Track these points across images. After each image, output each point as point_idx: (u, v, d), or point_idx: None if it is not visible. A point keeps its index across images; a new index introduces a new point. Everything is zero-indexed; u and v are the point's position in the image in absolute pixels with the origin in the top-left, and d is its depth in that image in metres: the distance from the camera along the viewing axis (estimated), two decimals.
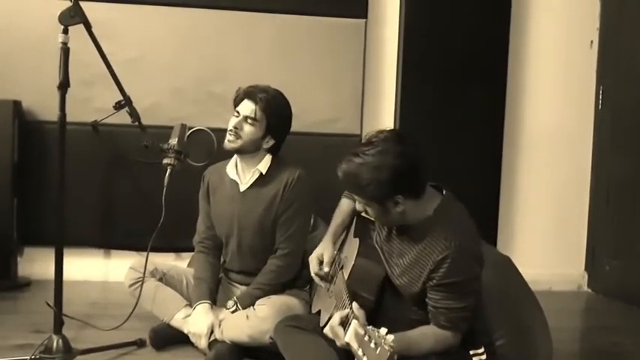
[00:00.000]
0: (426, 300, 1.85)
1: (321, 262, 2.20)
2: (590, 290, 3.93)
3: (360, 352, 1.56)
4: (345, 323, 1.73)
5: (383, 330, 1.53)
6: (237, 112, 2.49)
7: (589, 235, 3.94)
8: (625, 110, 3.74)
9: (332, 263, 2.21)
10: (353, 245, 2.13)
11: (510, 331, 2.06)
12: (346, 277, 2.01)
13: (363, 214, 1.95)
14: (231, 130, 2.47)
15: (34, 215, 3.37)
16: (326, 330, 1.81)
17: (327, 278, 2.19)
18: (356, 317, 1.70)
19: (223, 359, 2.34)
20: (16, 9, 3.35)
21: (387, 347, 1.46)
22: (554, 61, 3.84)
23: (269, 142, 2.51)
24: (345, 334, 1.68)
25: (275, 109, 2.48)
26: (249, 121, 2.46)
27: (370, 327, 1.59)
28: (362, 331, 1.58)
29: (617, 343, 2.97)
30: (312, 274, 2.22)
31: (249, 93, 2.48)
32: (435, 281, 1.81)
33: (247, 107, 2.47)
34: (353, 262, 2.03)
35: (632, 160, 3.66)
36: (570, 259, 3.94)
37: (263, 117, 2.46)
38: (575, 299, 3.79)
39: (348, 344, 1.65)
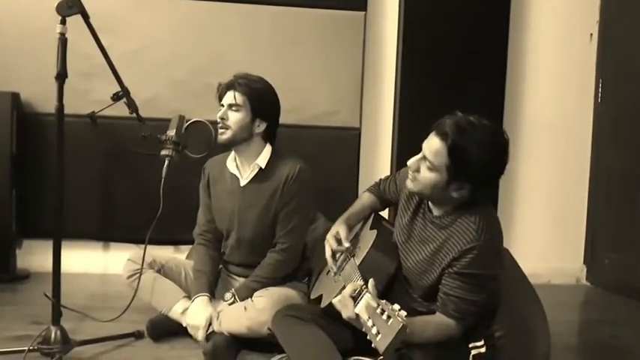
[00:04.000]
0: (439, 286, 1.85)
1: (338, 241, 2.17)
2: (588, 283, 3.93)
3: (369, 323, 1.55)
4: (355, 297, 1.71)
5: (396, 306, 1.54)
6: (222, 105, 2.51)
7: (588, 229, 3.94)
8: (624, 103, 3.73)
9: (349, 241, 2.16)
10: (369, 236, 2.13)
11: (509, 323, 2.05)
12: (358, 264, 2.01)
13: (408, 185, 1.91)
14: (219, 123, 2.48)
15: (33, 207, 3.37)
16: (335, 301, 1.77)
17: (349, 250, 2.14)
18: (369, 292, 1.69)
19: (221, 351, 2.33)
20: (14, 0, 3.33)
21: (399, 319, 1.46)
22: (553, 54, 3.83)
23: (260, 126, 2.51)
24: (356, 306, 1.68)
25: (255, 91, 2.48)
26: (233, 108, 2.47)
27: (383, 301, 1.59)
28: (375, 304, 1.58)
29: (615, 335, 2.97)
30: (327, 256, 2.16)
31: (228, 83, 2.51)
32: (455, 269, 1.81)
33: (229, 96, 2.49)
34: (367, 251, 2.04)
35: (632, 154, 3.66)
36: (569, 253, 3.94)
37: (245, 101, 2.47)
38: (573, 292, 3.79)
39: (357, 316, 1.65)
